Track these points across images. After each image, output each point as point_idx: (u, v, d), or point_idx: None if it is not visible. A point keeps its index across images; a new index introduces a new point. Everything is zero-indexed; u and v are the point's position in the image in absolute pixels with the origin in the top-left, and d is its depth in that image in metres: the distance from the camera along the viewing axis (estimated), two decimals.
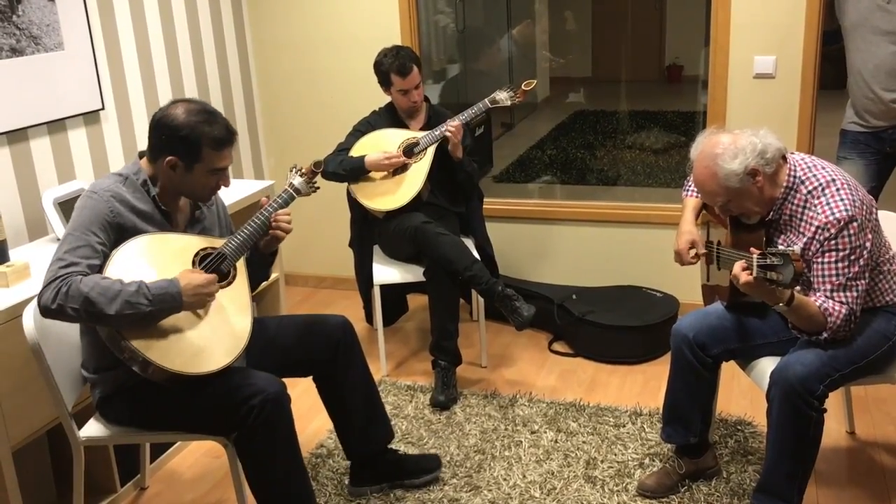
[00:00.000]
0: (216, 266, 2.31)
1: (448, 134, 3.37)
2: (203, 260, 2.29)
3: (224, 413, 2.26)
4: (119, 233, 2.21)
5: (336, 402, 2.66)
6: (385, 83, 3.48)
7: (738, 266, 2.20)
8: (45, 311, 2.09)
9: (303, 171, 2.55)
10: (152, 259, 2.21)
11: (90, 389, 2.39)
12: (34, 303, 2.30)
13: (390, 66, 3.41)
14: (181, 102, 2.27)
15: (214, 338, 2.23)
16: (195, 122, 2.22)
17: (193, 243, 2.31)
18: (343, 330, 2.62)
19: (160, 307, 2.11)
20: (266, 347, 2.52)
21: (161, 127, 2.24)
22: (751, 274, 2.15)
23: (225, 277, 2.32)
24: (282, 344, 2.55)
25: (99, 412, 2.40)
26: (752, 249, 2.18)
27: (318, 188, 2.61)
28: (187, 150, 2.23)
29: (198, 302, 2.19)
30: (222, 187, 2.36)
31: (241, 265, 2.38)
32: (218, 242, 2.35)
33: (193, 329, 2.21)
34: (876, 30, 3.12)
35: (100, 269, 2.15)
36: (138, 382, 2.26)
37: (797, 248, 2.29)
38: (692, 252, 2.61)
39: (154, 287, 2.11)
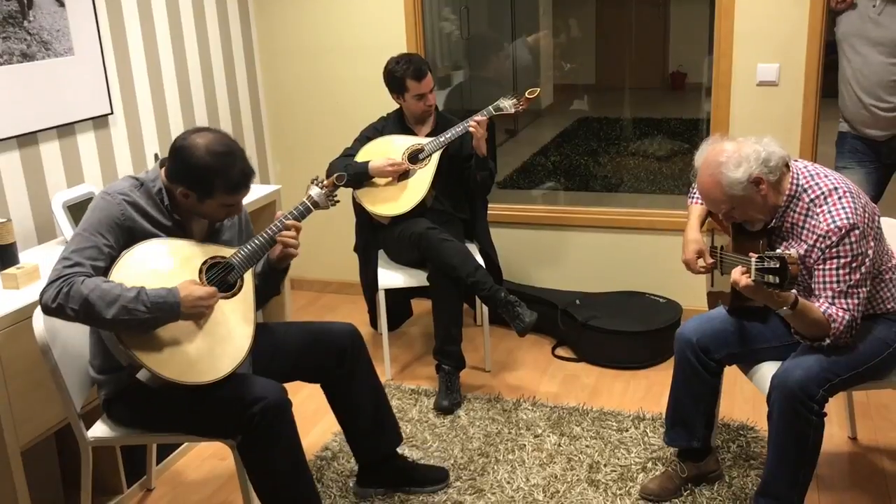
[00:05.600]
0: (222, 276, 2.30)
1: (473, 126, 3.38)
2: (210, 269, 2.28)
3: (227, 419, 2.27)
4: (129, 235, 2.22)
5: (345, 408, 2.68)
6: (399, 90, 3.50)
7: (736, 271, 2.22)
8: (46, 309, 2.11)
9: (324, 183, 2.52)
10: (159, 264, 2.21)
11: (97, 390, 2.41)
12: None
13: (405, 71, 3.43)
14: (205, 133, 2.24)
15: (213, 349, 2.22)
16: (212, 165, 2.19)
17: (202, 252, 2.30)
18: (351, 338, 2.63)
19: (157, 315, 2.10)
20: (273, 354, 2.53)
21: (179, 157, 2.22)
22: (750, 277, 2.17)
23: (231, 288, 2.31)
24: (289, 351, 2.56)
25: (105, 413, 2.42)
26: (750, 254, 2.20)
27: (338, 201, 2.57)
28: (200, 187, 2.22)
29: (196, 314, 2.18)
30: (235, 215, 2.37)
31: (248, 277, 2.36)
32: (227, 252, 2.34)
33: (193, 339, 2.20)
34: (867, 41, 3.15)
35: (105, 271, 2.15)
36: (142, 385, 2.28)
37: (794, 251, 2.31)
38: (700, 261, 2.62)
39: (153, 295, 2.10)
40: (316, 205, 2.48)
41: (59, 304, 2.07)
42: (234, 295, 2.31)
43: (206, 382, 2.19)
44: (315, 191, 2.50)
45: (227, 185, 2.23)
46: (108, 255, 2.17)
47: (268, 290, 2.52)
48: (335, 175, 2.54)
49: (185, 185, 2.23)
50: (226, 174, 2.21)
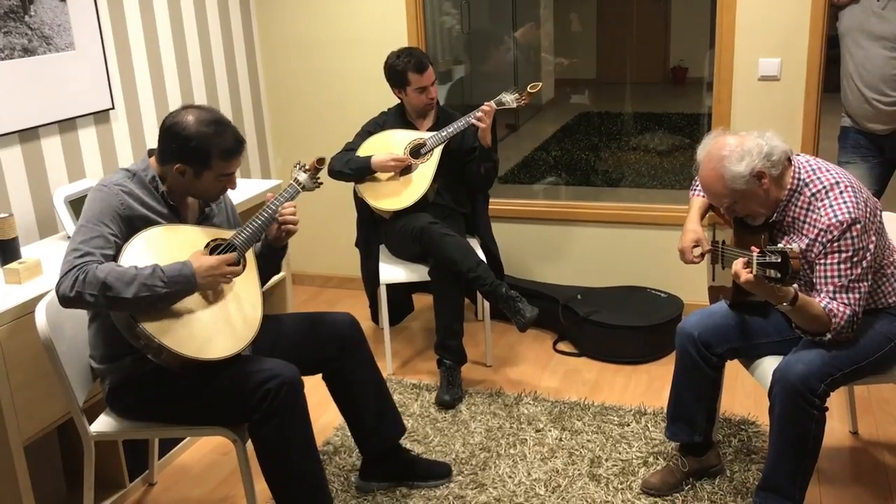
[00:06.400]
0: None
1: (479, 117, 3.38)
2: (213, 251, 2.33)
3: (236, 400, 2.28)
4: (129, 225, 2.25)
5: (346, 399, 2.69)
6: (400, 84, 3.50)
7: (737, 264, 2.22)
8: (64, 300, 2.12)
9: (307, 166, 2.60)
10: (163, 249, 2.25)
11: (100, 382, 2.42)
12: (46, 298, 2.33)
13: (407, 64, 3.43)
14: (192, 109, 2.30)
15: (226, 325, 2.27)
16: (205, 133, 2.25)
17: (203, 235, 2.36)
18: (350, 327, 2.65)
19: (175, 288, 2.16)
20: (273, 344, 2.54)
21: (171, 135, 2.27)
22: (751, 272, 2.17)
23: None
24: (290, 341, 2.58)
25: (108, 405, 2.43)
26: (752, 248, 2.21)
27: (322, 184, 2.65)
28: (196, 159, 2.27)
29: (211, 283, 2.25)
30: (229, 189, 2.41)
31: (250, 257, 2.42)
32: (227, 234, 2.40)
33: (206, 316, 2.25)
34: (869, 35, 3.15)
35: (113, 259, 2.19)
36: (147, 372, 2.30)
37: (795, 246, 2.31)
38: (696, 250, 2.63)
39: (168, 269, 2.16)
40: (304, 187, 2.57)
41: (77, 291, 2.09)
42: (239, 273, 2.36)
43: (220, 358, 2.22)
44: (300, 175, 2.58)
45: (223, 151, 2.27)
46: (115, 244, 2.21)
47: (269, 269, 2.59)
48: (316, 158, 2.61)
49: (180, 160, 2.27)
50: (220, 140, 2.27)
